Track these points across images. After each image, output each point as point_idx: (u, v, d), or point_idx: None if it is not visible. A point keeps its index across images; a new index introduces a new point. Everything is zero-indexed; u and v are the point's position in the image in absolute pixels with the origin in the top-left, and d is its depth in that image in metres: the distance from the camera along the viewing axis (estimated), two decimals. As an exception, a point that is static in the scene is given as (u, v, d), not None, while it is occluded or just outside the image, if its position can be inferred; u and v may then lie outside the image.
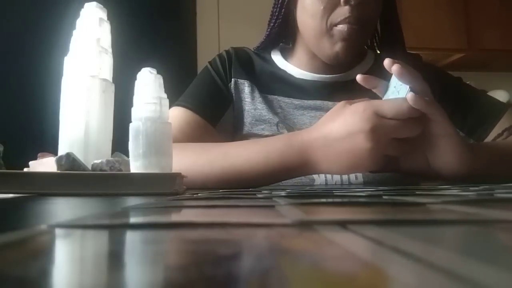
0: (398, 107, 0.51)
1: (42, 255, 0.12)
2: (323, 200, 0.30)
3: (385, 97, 0.56)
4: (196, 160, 0.60)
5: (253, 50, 0.83)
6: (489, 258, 0.11)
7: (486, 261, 0.10)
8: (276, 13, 0.78)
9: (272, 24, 0.80)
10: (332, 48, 0.69)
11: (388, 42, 0.80)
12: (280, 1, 0.77)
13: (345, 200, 0.29)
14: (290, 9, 0.76)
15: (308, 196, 0.33)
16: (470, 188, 0.39)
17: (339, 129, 0.53)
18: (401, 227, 0.16)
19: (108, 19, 0.49)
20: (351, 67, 0.78)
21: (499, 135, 0.71)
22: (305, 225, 0.17)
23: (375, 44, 0.83)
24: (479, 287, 0.08)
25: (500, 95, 2.25)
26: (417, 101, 0.49)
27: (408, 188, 0.43)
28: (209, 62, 0.81)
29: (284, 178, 0.61)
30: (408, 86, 0.51)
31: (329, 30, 0.68)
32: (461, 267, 0.10)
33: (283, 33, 0.81)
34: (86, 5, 0.47)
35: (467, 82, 0.85)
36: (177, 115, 0.71)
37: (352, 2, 0.65)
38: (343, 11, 0.66)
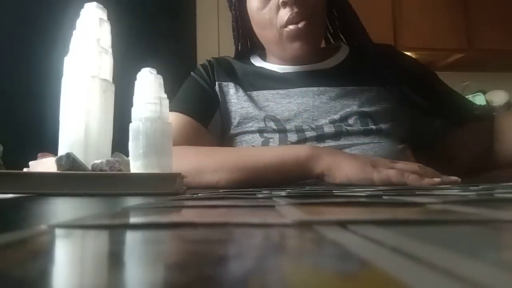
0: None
1: (42, 255, 0.12)
2: (323, 200, 0.30)
3: None
4: (224, 161, 0.63)
5: (232, 57, 0.88)
6: (489, 258, 0.11)
7: (486, 261, 0.10)
8: (237, 36, 0.85)
9: (235, 46, 0.86)
10: (292, 48, 0.74)
11: (347, 34, 0.85)
12: (235, 25, 0.83)
13: (345, 200, 0.29)
14: (248, 28, 0.81)
15: (308, 196, 0.33)
16: (470, 188, 0.39)
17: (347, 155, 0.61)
18: (401, 227, 0.16)
19: (108, 19, 0.49)
20: (327, 58, 0.82)
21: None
22: (305, 225, 0.17)
23: (332, 35, 0.88)
24: (479, 287, 0.08)
25: (500, 95, 2.25)
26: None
27: (408, 188, 0.43)
28: (193, 72, 0.85)
29: (293, 170, 0.62)
30: None
31: (281, 34, 0.73)
32: (461, 267, 0.10)
33: (251, 47, 0.86)
34: (86, 5, 0.47)
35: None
36: (172, 119, 0.72)
37: (288, 2, 0.70)
38: (284, 12, 0.71)
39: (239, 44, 0.85)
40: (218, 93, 0.80)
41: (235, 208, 0.25)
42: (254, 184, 0.59)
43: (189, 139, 0.71)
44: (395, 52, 0.88)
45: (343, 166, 0.58)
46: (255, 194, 0.36)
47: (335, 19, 0.85)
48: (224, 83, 0.81)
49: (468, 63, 2.37)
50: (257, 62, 0.84)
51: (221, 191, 0.43)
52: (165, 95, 0.47)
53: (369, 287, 0.09)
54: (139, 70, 0.47)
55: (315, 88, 0.78)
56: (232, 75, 0.82)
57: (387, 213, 0.23)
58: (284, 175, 0.61)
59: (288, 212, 0.21)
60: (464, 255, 0.11)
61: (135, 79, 0.47)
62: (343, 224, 0.16)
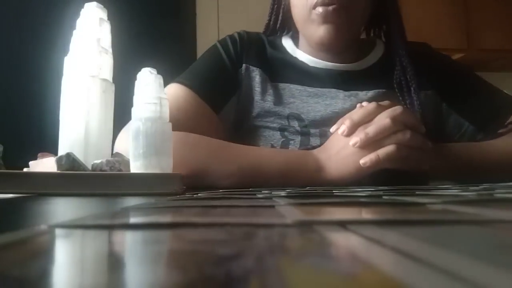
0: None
1: (42, 255, 0.12)
2: (323, 200, 0.30)
3: None
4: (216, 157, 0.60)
5: (265, 36, 0.80)
6: (489, 258, 0.11)
7: (486, 261, 0.10)
8: (271, 10, 0.79)
9: (268, 20, 0.80)
10: (316, 32, 0.69)
11: (387, 33, 0.80)
12: None
13: (345, 200, 0.29)
14: (285, 5, 0.77)
15: (308, 196, 0.33)
16: (470, 188, 0.39)
17: (337, 141, 0.60)
18: (401, 227, 0.16)
19: (108, 19, 0.49)
20: (362, 57, 0.77)
21: (503, 132, 0.71)
22: (305, 225, 0.17)
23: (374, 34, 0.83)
24: (479, 287, 0.08)
25: (500, 95, 2.25)
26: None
27: (408, 188, 0.43)
28: (219, 42, 0.76)
29: (295, 175, 0.60)
30: None
31: (310, 14, 0.68)
32: (461, 267, 0.10)
33: (283, 26, 0.80)
34: (86, 5, 0.47)
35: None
36: (175, 93, 0.66)
37: None
38: None
39: (272, 18, 0.79)
40: (243, 76, 0.72)
41: (235, 208, 0.25)
42: (258, 185, 0.57)
43: (192, 117, 0.65)
44: (430, 52, 0.82)
45: (347, 172, 0.58)
46: (255, 194, 0.36)
47: (384, 24, 0.80)
48: (252, 68, 0.73)
49: (469, 63, 2.37)
50: (289, 46, 0.77)
51: (221, 191, 0.43)
52: (165, 95, 0.47)
53: (369, 287, 0.09)
54: (139, 70, 0.47)
55: (346, 92, 0.72)
56: (262, 60, 0.74)
57: (387, 213, 0.23)
58: (290, 182, 0.59)
59: (288, 212, 0.21)
60: (464, 255, 0.11)
61: (135, 79, 0.47)
62: (343, 224, 0.16)
